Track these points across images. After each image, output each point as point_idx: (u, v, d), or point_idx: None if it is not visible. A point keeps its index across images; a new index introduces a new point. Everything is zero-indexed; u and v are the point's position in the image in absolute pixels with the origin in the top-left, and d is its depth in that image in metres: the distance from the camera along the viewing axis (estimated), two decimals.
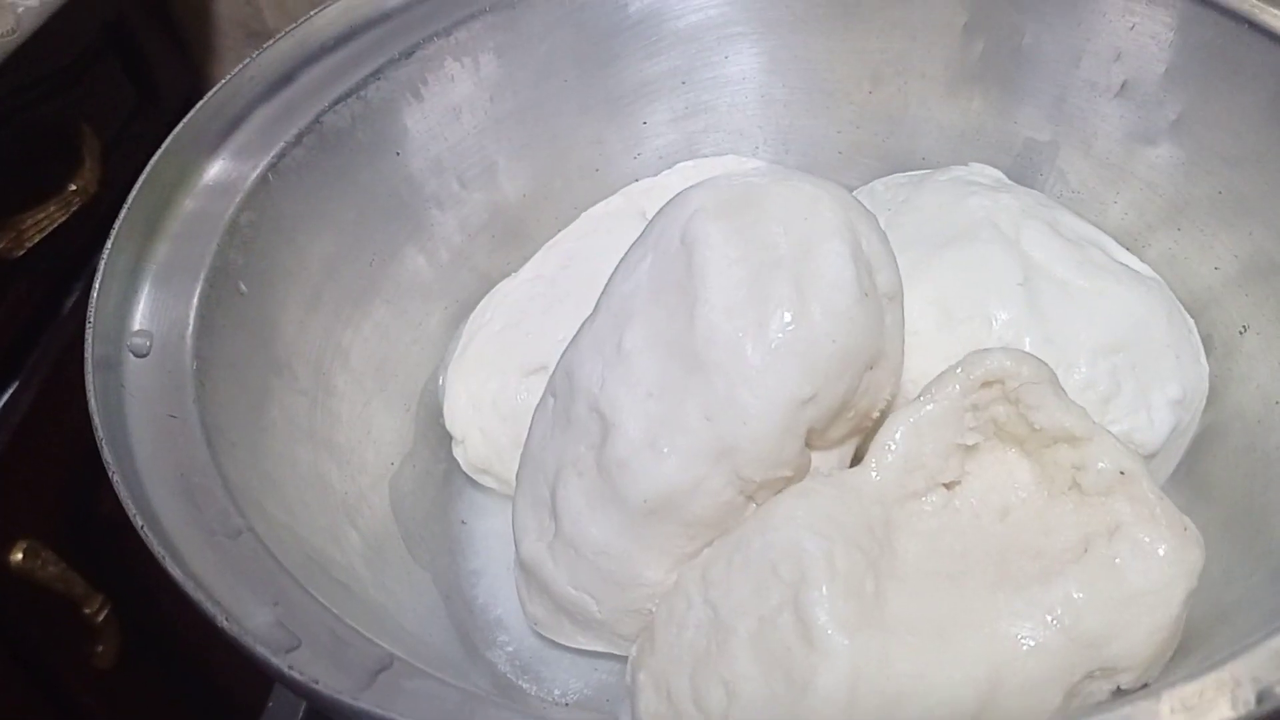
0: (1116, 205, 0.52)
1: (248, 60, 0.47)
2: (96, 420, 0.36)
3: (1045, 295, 0.45)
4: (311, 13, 0.50)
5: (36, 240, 0.68)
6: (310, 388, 0.46)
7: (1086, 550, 0.37)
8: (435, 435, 0.52)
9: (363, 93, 0.49)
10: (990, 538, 0.38)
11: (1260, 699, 0.28)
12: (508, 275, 0.55)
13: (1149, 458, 0.44)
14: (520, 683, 0.45)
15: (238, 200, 0.45)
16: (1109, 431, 0.39)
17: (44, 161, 0.71)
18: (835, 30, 0.56)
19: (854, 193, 0.55)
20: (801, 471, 0.39)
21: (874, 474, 0.39)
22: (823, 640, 0.34)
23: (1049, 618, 0.35)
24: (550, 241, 0.55)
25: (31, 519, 0.68)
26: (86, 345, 0.38)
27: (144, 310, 0.41)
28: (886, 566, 0.37)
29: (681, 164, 0.58)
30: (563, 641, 0.43)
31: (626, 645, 0.41)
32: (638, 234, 0.43)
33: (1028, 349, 0.43)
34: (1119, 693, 0.36)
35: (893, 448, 0.39)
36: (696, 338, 0.37)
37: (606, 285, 0.42)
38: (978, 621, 0.35)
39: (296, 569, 0.35)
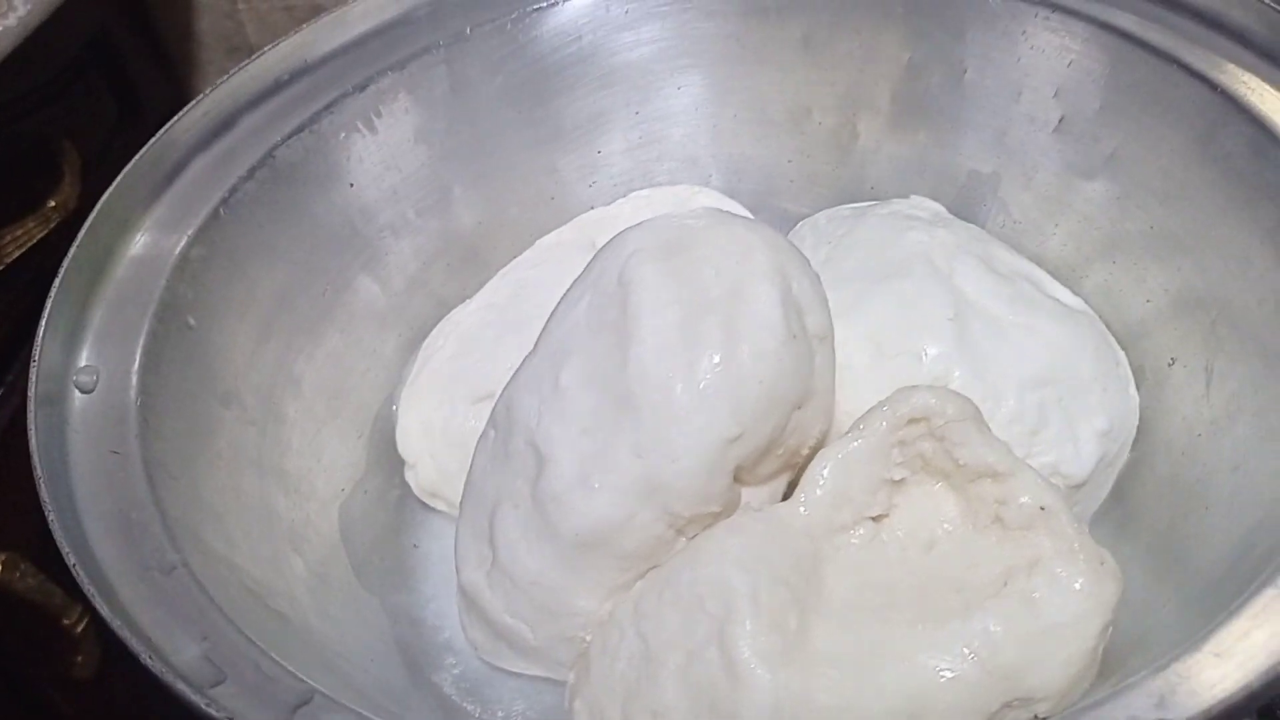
0: (1055, 237, 0.54)
1: (200, 96, 0.48)
2: (35, 459, 0.37)
3: (975, 330, 0.46)
4: (292, 32, 0.51)
5: (15, 256, 0.69)
6: (260, 417, 0.46)
7: (1006, 584, 0.38)
8: (390, 460, 0.52)
9: (315, 126, 0.50)
10: (915, 571, 0.39)
11: None
12: (464, 301, 0.56)
13: (1077, 488, 0.45)
14: (465, 704, 0.45)
15: (189, 235, 0.46)
16: (1031, 467, 0.40)
17: (24, 177, 0.71)
18: (785, 63, 0.57)
19: (799, 225, 0.57)
20: (731, 507, 0.40)
21: (803, 508, 0.40)
22: (746, 674, 0.35)
23: (967, 650, 0.36)
24: (503, 270, 0.56)
25: (10, 532, 0.69)
26: (30, 383, 0.38)
27: (91, 346, 0.42)
28: (812, 601, 0.38)
29: (635, 193, 0.59)
30: (503, 666, 0.44)
31: (564, 670, 0.42)
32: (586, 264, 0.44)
33: (957, 383, 0.44)
34: None
35: (821, 482, 0.40)
36: (629, 377, 0.39)
37: (547, 321, 0.43)
38: (900, 654, 0.37)
39: (229, 602, 0.36)
